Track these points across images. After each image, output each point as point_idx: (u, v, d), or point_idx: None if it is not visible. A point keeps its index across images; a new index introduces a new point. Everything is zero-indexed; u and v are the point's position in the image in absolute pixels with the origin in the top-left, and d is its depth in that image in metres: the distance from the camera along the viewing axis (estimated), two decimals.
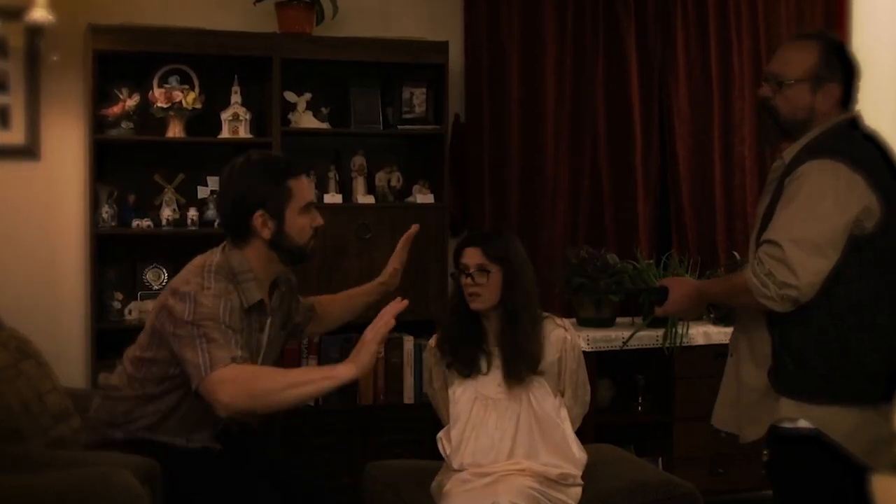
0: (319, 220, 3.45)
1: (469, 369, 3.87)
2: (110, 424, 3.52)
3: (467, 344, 3.88)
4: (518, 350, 3.81)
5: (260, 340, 3.48)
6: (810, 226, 3.04)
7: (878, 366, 3.16)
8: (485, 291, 3.81)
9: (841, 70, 3.27)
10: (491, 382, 3.86)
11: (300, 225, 3.38)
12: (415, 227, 3.97)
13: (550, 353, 3.89)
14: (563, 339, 3.92)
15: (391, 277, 3.95)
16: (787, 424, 3.18)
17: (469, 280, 3.83)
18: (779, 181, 3.22)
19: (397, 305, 3.03)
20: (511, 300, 3.83)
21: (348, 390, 5.24)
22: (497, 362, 3.87)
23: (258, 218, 3.32)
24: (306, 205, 3.39)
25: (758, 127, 3.45)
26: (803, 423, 3.14)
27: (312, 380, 3.06)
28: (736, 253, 5.68)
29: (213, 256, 3.38)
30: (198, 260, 3.39)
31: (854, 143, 3.21)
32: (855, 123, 3.29)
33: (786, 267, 3.01)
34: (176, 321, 3.22)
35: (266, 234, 3.34)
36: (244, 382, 3.05)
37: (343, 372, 3.01)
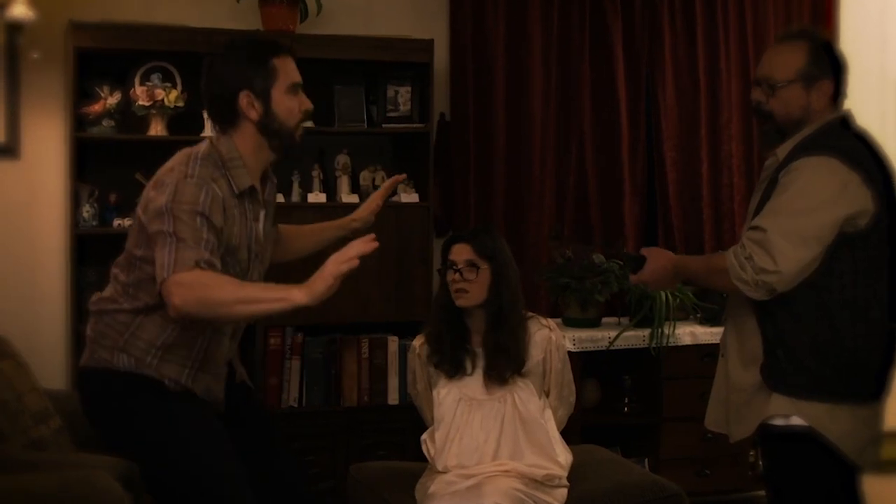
0: (308, 104, 3.33)
1: (454, 369, 3.85)
2: (113, 347, 3.26)
3: (453, 342, 3.86)
4: (502, 350, 3.81)
5: (256, 231, 3.34)
6: (798, 217, 3.06)
7: (869, 363, 3.17)
8: (472, 288, 3.81)
9: (830, 66, 3.29)
10: (475, 383, 3.84)
11: (288, 106, 3.26)
12: (402, 176, 3.96)
13: (535, 353, 3.88)
14: (548, 338, 3.91)
15: (366, 215, 3.82)
16: (778, 421, 3.18)
17: (457, 276, 3.82)
18: (772, 177, 3.23)
19: (367, 244, 2.85)
20: (497, 298, 3.83)
21: (331, 390, 5.21)
22: (481, 363, 3.85)
23: (244, 98, 3.21)
24: (293, 85, 3.28)
25: (756, 132, 3.45)
26: (796, 421, 3.15)
27: (265, 299, 2.90)
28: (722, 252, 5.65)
29: (201, 146, 3.26)
30: (185, 150, 3.26)
31: (849, 140, 3.22)
32: (846, 122, 3.30)
33: (766, 252, 3.04)
34: (153, 213, 3.07)
35: (253, 115, 3.23)
36: (198, 288, 2.91)
37: (296, 296, 2.83)
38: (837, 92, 3.31)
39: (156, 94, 5.04)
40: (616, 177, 5.95)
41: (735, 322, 3.33)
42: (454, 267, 3.82)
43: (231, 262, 3.20)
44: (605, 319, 5.53)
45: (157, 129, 5.06)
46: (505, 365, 3.81)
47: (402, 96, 5.41)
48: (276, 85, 3.23)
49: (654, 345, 5.26)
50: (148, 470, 3.29)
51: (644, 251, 3.45)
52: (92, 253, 5.11)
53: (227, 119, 3.26)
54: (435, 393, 3.89)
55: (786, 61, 3.28)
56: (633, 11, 5.97)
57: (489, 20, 5.71)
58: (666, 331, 5.27)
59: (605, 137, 5.94)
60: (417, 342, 3.99)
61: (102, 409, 3.32)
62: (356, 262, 2.80)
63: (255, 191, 3.30)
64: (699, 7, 6.08)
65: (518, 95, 5.77)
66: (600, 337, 5.26)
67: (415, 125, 5.40)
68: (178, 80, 5.12)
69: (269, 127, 3.24)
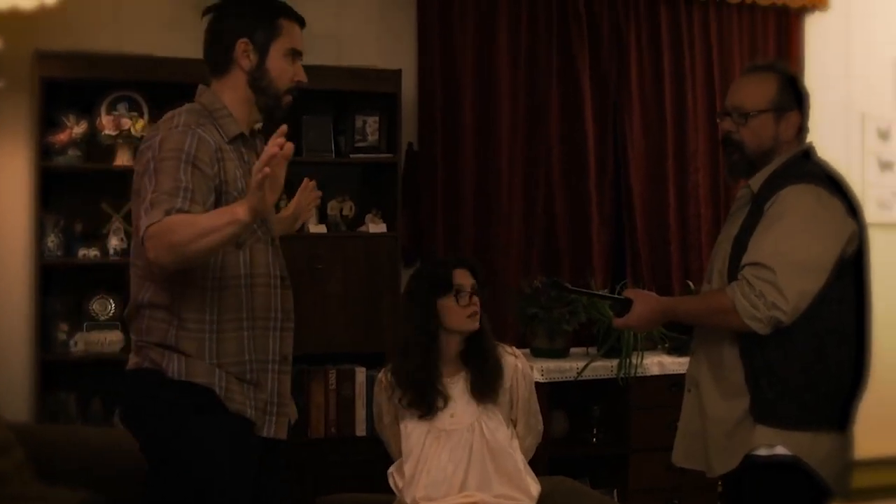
0: (303, 76, 3.23)
1: (427, 410, 3.83)
2: (160, 345, 3.03)
3: (424, 381, 3.83)
4: (488, 367, 3.83)
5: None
6: (800, 249, 3.07)
7: (850, 390, 3.19)
8: (480, 312, 3.86)
9: (796, 98, 3.33)
10: (444, 414, 3.82)
11: (282, 67, 3.15)
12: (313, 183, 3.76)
13: (503, 382, 3.88)
14: (514, 366, 3.91)
15: (291, 213, 3.69)
16: (762, 452, 3.16)
17: (468, 300, 3.83)
18: (750, 207, 3.24)
19: (272, 147, 2.65)
20: (484, 322, 3.87)
21: (297, 422, 5.15)
22: (454, 392, 3.83)
23: (241, 45, 3.12)
24: (293, 50, 3.19)
25: (724, 163, 3.44)
26: (780, 450, 3.14)
27: (217, 226, 2.75)
28: (690, 282, 5.67)
29: (185, 105, 3.17)
30: (168, 113, 3.15)
31: (825, 170, 3.26)
32: (809, 154, 3.33)
33: (776, 289, 3.03)
34: (139, 173, 2.97)
35: (246, 64, 3.13)
36: (163, 235, 2.79)
37: (240, 214, 2.72)
38: (802, 124, 3.34)
39: (122, 123, 5.01)
40: (584, 207, 5.95)
41: (708, 354, 3.32)
42: (463, 290, 3.83)
43: None
44: (573, 349, 5.52)
45: (123, 158, 5.02)
46: (489, 381, 3.83)
47: (370, 126, 5.39)
48: (277, 43, 3.15)
49: (622, 375, 5.26)
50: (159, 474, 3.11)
51: (629, 293, 3.38)
52: (57, 283, 5.08)
53: (220, 63, 3.17)
54: (402, 426, 3.87)
55: (757, 91, 3.30)
56: (601, 43, 6.00)
57: (457, 50, 5.73)
58: (634, 361, 5.27)
59: (573, 167, 5.95)
60: (384, 375, 3.96)
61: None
62: (268, 171, 2.65)
63: (248, 138, 3.20)
64: (665, 39, 6.12)
65: (486, 125, 5.78)
66: (568, 367, 5.25)
67: (383, 155, 5.39)
68: (145, 110, 5.08)
69: (258, 82, 3.15)
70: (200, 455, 3.03)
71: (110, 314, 5.08)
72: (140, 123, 5.01)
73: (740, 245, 3.20)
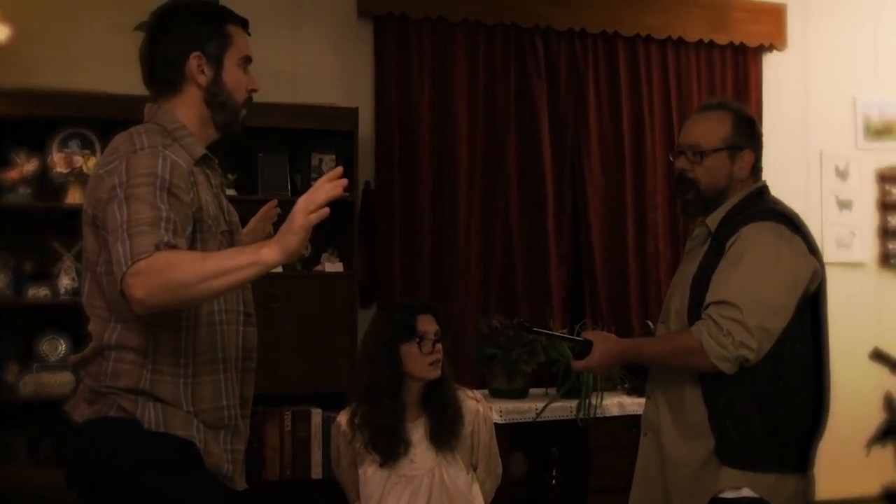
0: (256, 84, 3.02)
1: (388, 457, 3.77)
2: (131, 391, 2.75)
3: (391, 427, 3.77)
4: (448, 414, 3.79)
5: (225, 202, 2.97)
6: (765, 287, 3.06)
7: (810, 430, 3.18)
8: (442, 359, 3.82)
9: (750, 137, 3.32)
10: (404, 460, 3.78)
11: (237, 78, 2.93)
12: (275, 203, 3.53)
13: (464, 428, 3.85)
14: (476, 411, 3.88)
15: (258, 227, 3.48)
16: (729, 494, 3.13)
17: (431, 347, 3.79)
18: (710, 245, 3.23)
19: (336, 187, 2.48)
20: (445, 367, 3.84)
21: (252, 464, 5.07)
22: (415, 437, 3.79)
23: (194, 60, 2.87)
24: (245, 58, 2.99)
25: (679, 201, 3.41)
26: (746, 492, 3.11)
27: (234, 267, 2.51)
28: (650, 322, 5.64)
29: (138, 126, 2.85)
30: (120, 134, 2.83)
31: (781, 208, 3.25)
32: (762, 192, 3.33)
33: (743, 327, 3.01)
34: (106, 196, 2.69)
35: (202, 80, 2.87)
36: (160, 273, 2.50)
37: (268, 256, 2.48)
38: (756, 163, 3.33)
39: (74, 160, 4.96)
40: (542, 245, 5.93)
41: (668, 396, 3.28)
42: (426, 338, 3.79)
43: (212, 242, 2.81)
44: (532, 390, 5.48)
45: (75, 196, 4.95)
46: (449, 428, 3.78)
47: (327, 164, 5.35)
48: (230, 53, 2.93)
49: (581, 416, 5.21)
50: None
51: (589, 335, 3.32)
52: (6, 323, 5.02)
53: (170, 83, 2.90)
54: (361, 471, 3.82)
55: (712, 129, 3.29)
56: (559, 80, 6.00)
57: (415, 89, 5.71)
58: (594, 401, 5.23)
59: (531, 206, 5.93)
60: (342, 418, 3.90)
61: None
62: (327, 212, 2.47)
63: (211, 159, 2.94)
64: (624, 77, 6.13)
65: (444, 164, 5.75)
66: (527, 408, 5.20)
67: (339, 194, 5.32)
68: (98, 147, 5.02)
69: (216, 97, 2.91)
70: None
71: (60, 355, 5.00)
72: (92, 161, 4.95)
73: (700, 284, 3.17)
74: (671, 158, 3.43)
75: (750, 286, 3.05)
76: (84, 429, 2.81)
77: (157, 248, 2.54)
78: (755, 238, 3.11)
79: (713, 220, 3.25)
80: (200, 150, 2.88)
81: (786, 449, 3.15)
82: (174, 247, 2.57)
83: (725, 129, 3.28)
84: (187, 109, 2.90)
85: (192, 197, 2.75)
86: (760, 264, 3.07)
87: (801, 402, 3.15)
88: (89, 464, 2.81)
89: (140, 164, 2.68)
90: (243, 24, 3.00)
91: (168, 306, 2.58)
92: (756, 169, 3.34)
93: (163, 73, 2.91)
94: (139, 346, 2.74)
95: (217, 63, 2.91)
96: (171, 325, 2.75)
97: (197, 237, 2.77)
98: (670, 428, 3.24)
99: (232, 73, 2.93)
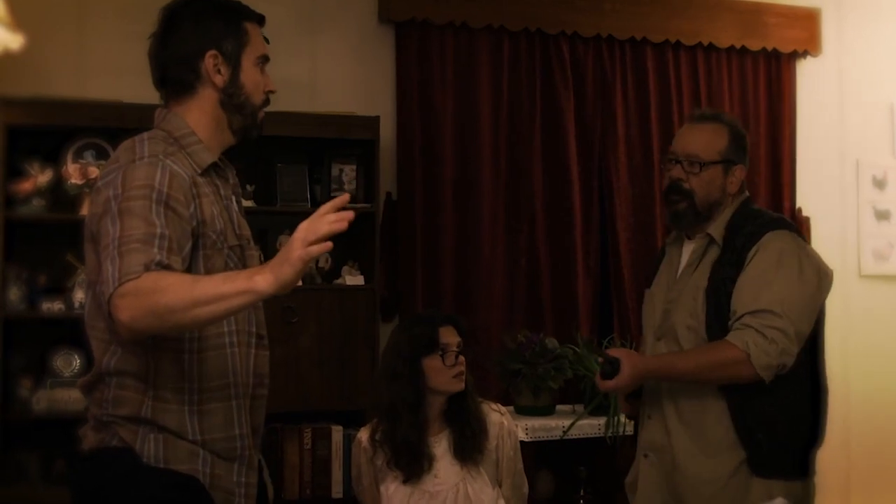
0: (272, 85, 2.88)
1: (412, 474, 3.72)
2: (132, 419, 2.63)
3: (414, 443, 3.72)
4: (472, 428, 3.76)
5: (237, 215, 2.83)
6: (797, 294, 3.13)
7: (821, 433, 3.26)
8: (465, 371, 3.79)
9: (743, 152, 3.39)
10: (428, 475, 3.74)
11: (255, 79, 2.79)
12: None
13: (488, 442, 3.81)
14: (500, 424, 3.85)
15: None
16: None
17: (454, 359, 3.75)
18: (721, 257, 3.24)
19: (339, 221, 2.33)
20: (468, 381, 3.81)
21: (273, 484, 4.99)
22: (438, 452, 3.75)
23: (210, 59, 2.73)
24: (263, 57, 2.84)
25: (669, 211, 3.39)
26: (780, 502, 3.07)
27: (225, 295, 2.34)
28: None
29: (143, 133, 2.74)
30: (125, 143, 2.73)
31: (782, 216, 3.42)
32: (750, 202, 3.41)
33: (786, 336, 3.07)
34: (97, 215, 2.58)
35: (218, 80, 2.73)
36: (148, 295, 2.35)
37: (260, 284, 2.32)
38: (745, 179, 3.41)
39: (89, 171, 4.90)
40: (569, 257, 5.84)
41: (680, 415, 3.27)
42: (449, 350, 3.74)
43: (218, 259, 2.66)
44: (558, 407, 5.38)
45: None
46: (473, 442, 3.75)
47: (347, 175, 5.30)
48: (247, 52, 2.79)
49: (610, 434, 5.08)
50: None
51: (616, 353, 3.26)
52: (19, 337, 4.96)
53: (184, 83, 2.75)
54: (383, 488, 3.77)
55: (710, 142, 3.33)
56: (585, 88, 5.91)
57: (437, 97, 5.63)
58: (622, 419, 5.10)
59: (558, 217, 5.84)
60: (363, 435, 3.85)
61: None
62: (329, 246, 2.32)
63: (221, 168, 2.80)
64: (652, 85, 6.05)
65: (467, 174, 5.67)
66: (554, 426, 5.11)
67: (360, 205, 5.24)
68: None
69: (232, 99, 2.77)
70: None
71: (75, 370, 4.93)
72: None
73: (717, 296, 3.17)
74: (663, 166, 3.44)
75: (785, 294, 3.09)
76: (87, 458, 2.69)
77: (148, 268, 2.40)
78: (778, 246, 3.16)
79: (716, 230, 3.29)
80: (209, 159, 2.73)
81: (808, 456, 3.22)
82: (167, 266, 2.43)
83: (723, 143, 3.32)
84: (201, 113, 2.77)
85: (192, 211, 2.60)
86: (790, 271, 3.13)
87: (814, 409, 3.23)
88: (88, 498, 2.69)
89: (136, 175, 2.54)
90: (260, 20, 2.86)
91: (155, 332, 2.44)
92: (743, 185, 3.40)
93: (175, 73, 2.77)
94: (139, 371, 2.61)
95: (234, 62, 2.77)
96: (173, 349, 2.61)
97: (199, 254, 2.63)
98: (688, 446, 3.24)
99: (249, 73, 2.80)
